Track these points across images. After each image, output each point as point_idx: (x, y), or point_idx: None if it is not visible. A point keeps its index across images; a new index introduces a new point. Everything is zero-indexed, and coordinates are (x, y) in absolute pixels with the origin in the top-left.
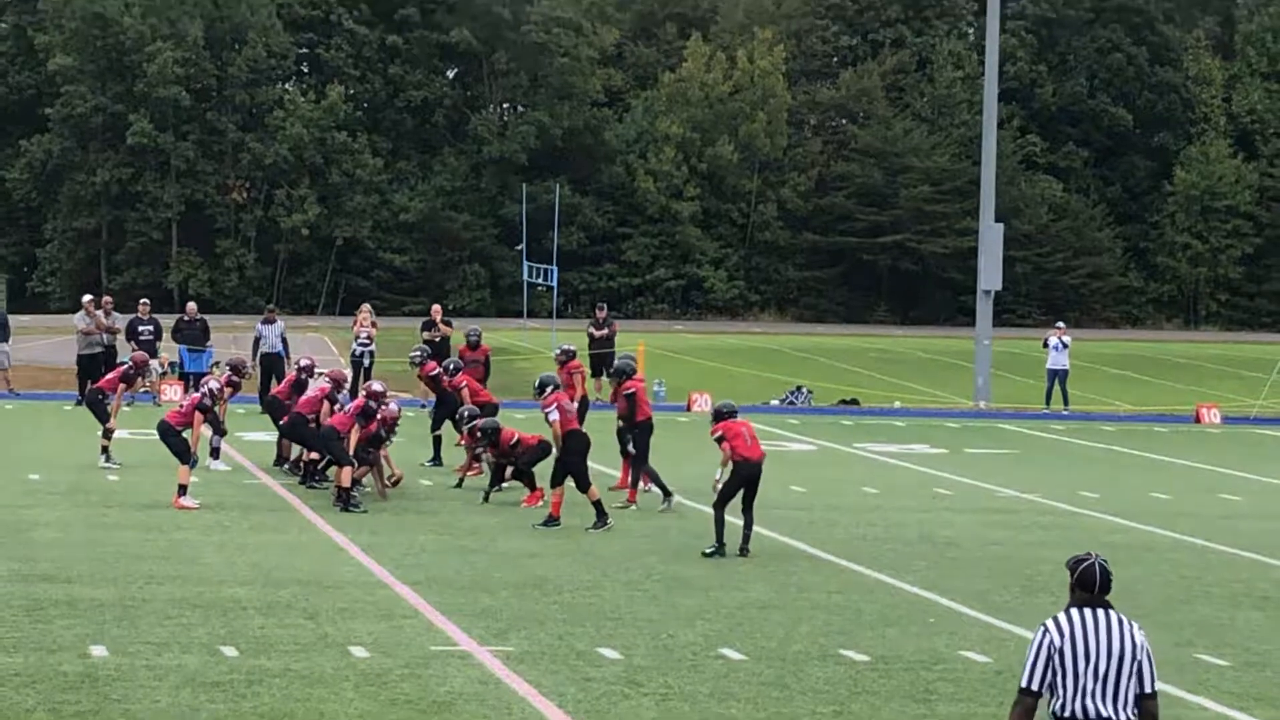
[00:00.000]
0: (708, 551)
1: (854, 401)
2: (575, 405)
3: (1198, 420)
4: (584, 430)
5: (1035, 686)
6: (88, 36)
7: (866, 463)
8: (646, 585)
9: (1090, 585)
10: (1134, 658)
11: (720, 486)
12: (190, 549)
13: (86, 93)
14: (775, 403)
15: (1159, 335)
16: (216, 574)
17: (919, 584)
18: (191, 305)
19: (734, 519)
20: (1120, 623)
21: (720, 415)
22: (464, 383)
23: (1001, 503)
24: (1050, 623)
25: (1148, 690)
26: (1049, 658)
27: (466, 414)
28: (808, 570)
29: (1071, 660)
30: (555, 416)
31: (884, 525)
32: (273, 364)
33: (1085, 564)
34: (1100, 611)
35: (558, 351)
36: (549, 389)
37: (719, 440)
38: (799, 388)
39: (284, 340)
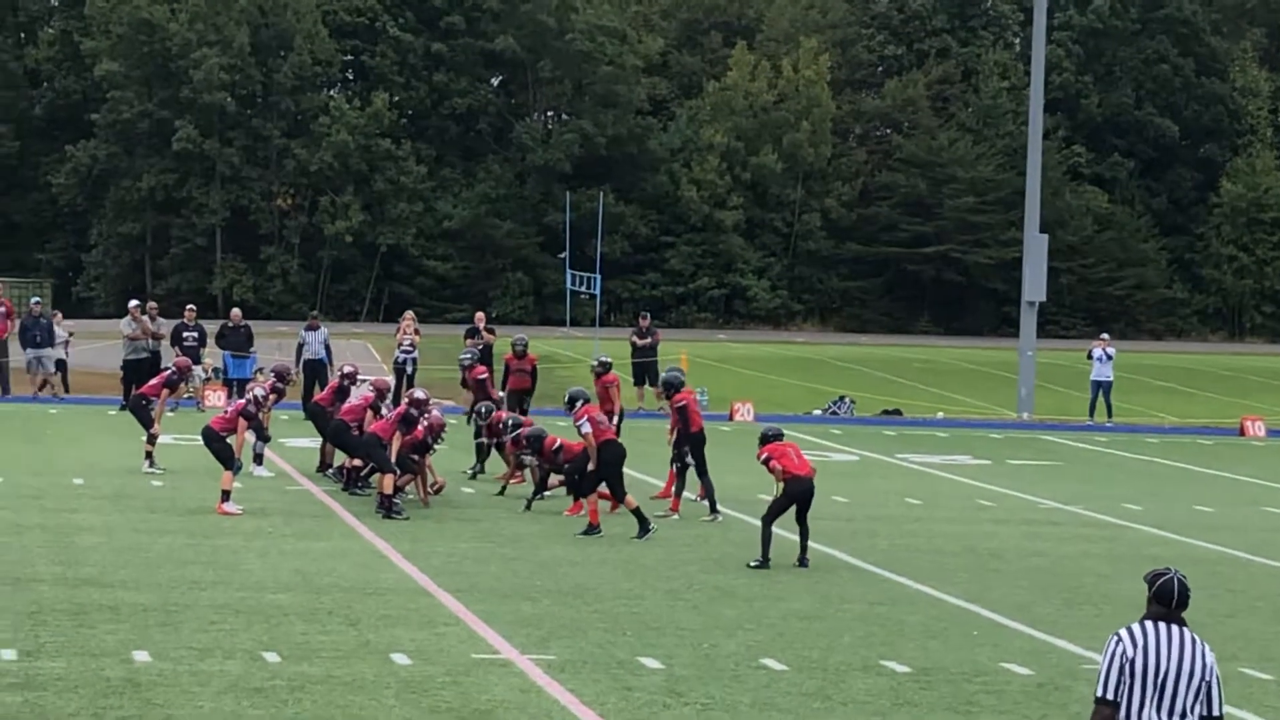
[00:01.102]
0: (753, 564)
1: (897, 412)
2: (608, 418)
3: (1242, 433)
4: (619, 441)
5: (1112, 695)
6: (134, 42)
7: (909, 473)
8: (688, 595)
9: (1168, 600)
10: (1203, 678)
11: (771, 502)
12: (233, 555)
13: (133, 98)
14: (818, 413)
15: (1204, 347)
16: (259, 580)
17: (961, 595)
18: (236, 311)
19: (786, 533)
20: (1194, 642)
21: (766, 439)
22: (484, 374)
23: (1044, 514)
24: (1124, 632)
25: (1215, 713)
26: (1121, 667)
27: (484, 409)
28: (850, 581)
29: (1141, 672)
30: (588, 429)
31: (926, 536)
32: (316, 370)
33: (1164, 578)
34: (1175, 627)
35: (594, 363)
36: (579, 403)
37: (766, 463)
38: (841, 398)
39: (327, 347)
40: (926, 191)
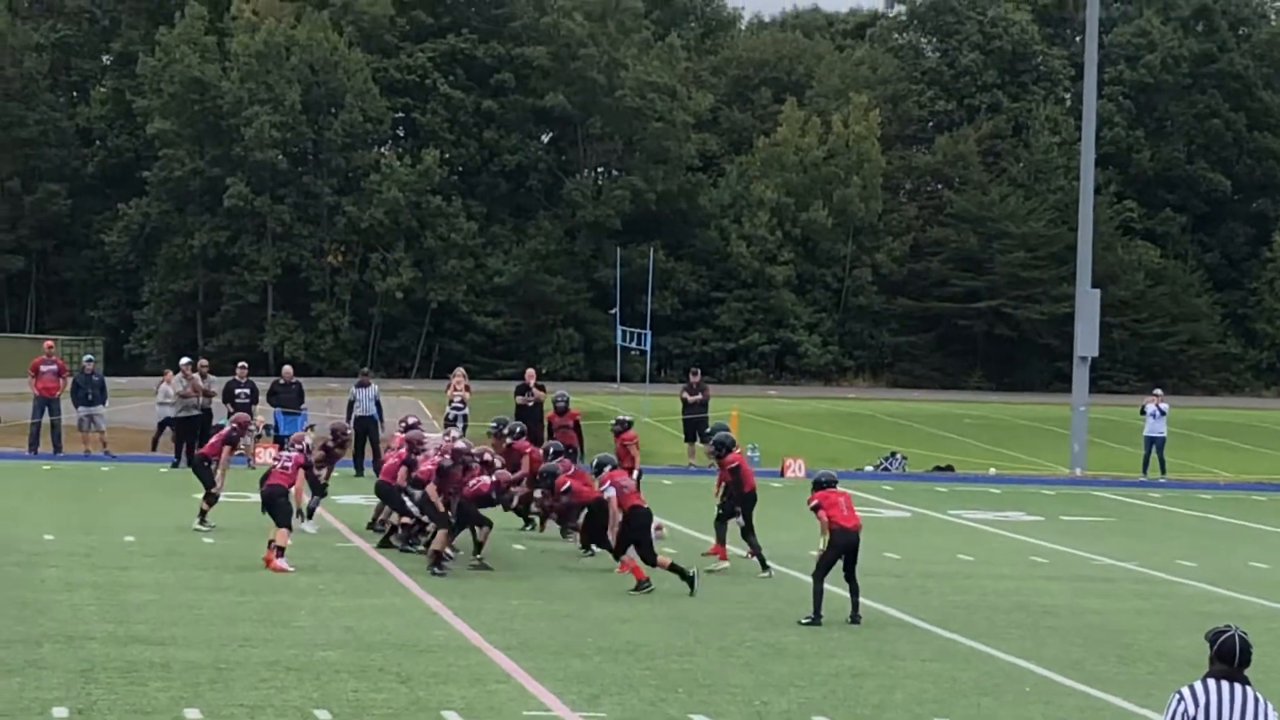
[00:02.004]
0: (804, 621)
1: (949, 468)
2: (632, 479)
3: None
4: (645, 506)
5: None
6: (186, 101)
7: (961, 530)
8: (740, 651)
9: (1229, 658)
10: None
11: (819, 557)
12: (284, 612)
13: (184, 156)
14: (869, 469)
15: (1258, 403)
16: (310, 637)
17: (1014, 652)
18: (287, 368)
19: (837, 589)
20: (1257, 700)
21: (819, 485)
22: (526, 449)
23: (1098, 571)
24: (1186, 690)
25: None
26: None
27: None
28: (902, 637)
29: None
30: (612, 493)
31: (979, 593)
32: (367, 427)
33: (1225, 636)
34: (1238, 685)
35: (614, 422)
36: (606, 468)
37: (815, 509)
38: (893, 454)
39: (378, 404)
40: (978, 247)
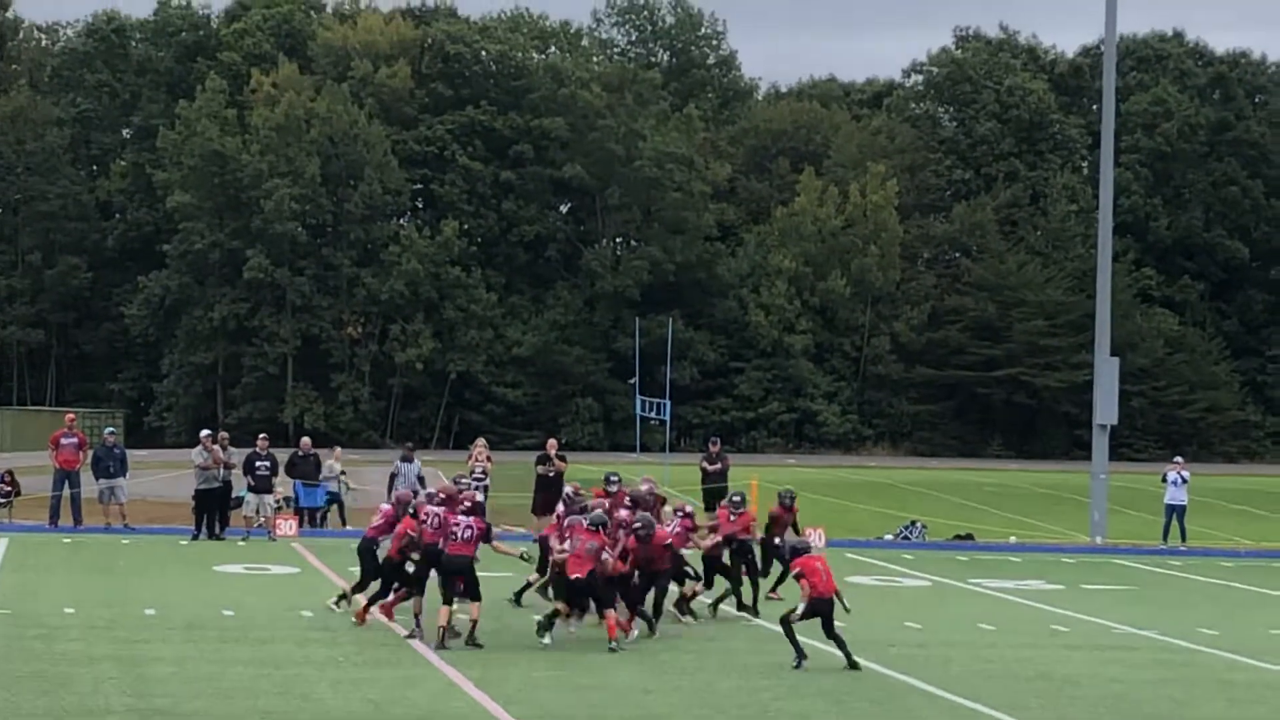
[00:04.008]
0: (795, 665)
1: (968, 536)
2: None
3: None
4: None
5: None
6: (205, 174)
7: (982, 598)
8: None
9: None
10: None
11: (796, 615)
12: (305, 684)
13: (204, 229)
14: (889, 537)
15: (1278, 470)
16: (331, 709)
17: None
18: (305, 440)
19: (824, 647)
20: None
21: (797, 552)
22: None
23: (1119, 639)
24: None
25: None
26: None
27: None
28: (923, 707)
29: None
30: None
31: (1000, 662)
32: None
33: None
34: None
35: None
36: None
37: (798, 577)
38: (913, 522)
39: (421, 479)
40: (996, 315)
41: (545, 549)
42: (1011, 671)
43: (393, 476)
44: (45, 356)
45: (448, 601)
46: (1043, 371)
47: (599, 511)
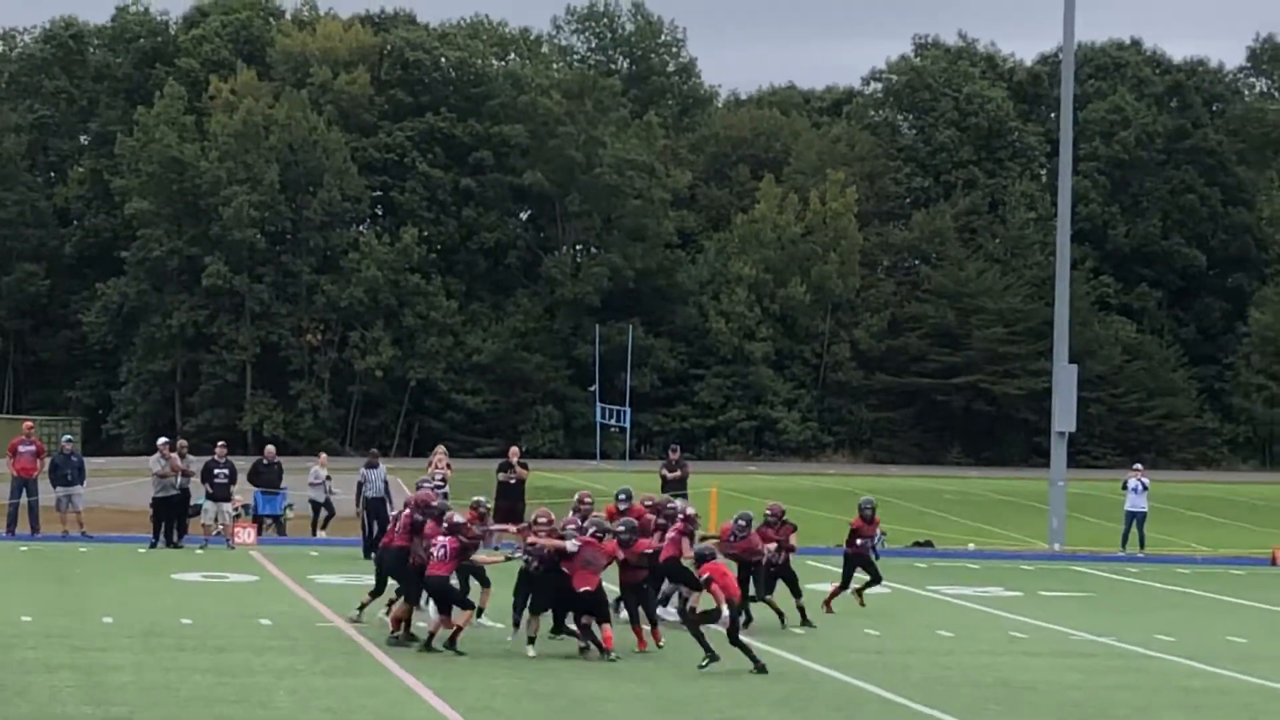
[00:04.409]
0: (703, 665)
1: (928, 544)
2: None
3: (1274, 563)
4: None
5: None
6: (164, 180)
7: (941, 605)
8: None
9: None
10: None
11: (698, 613)
12: (263, 693)
13: (163, 236)
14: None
15: (1235, 477)
16: (288, 717)
17: None
18: (270, 448)
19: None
20: None
21: (704, 558)
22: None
23: (1077, 646)
24: None
25: None
26: None
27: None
28: (882, 714)
29: None
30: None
31: (959, 669)
32: (376, 509)
33: None
34: None
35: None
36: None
37: (708, 582)
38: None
39: (386, 485)
40: (955, 322)
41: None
42: (970, 678)
43: (360, 485)
44: (2, 364)
45: (412, 603)
46: (1001, 379)
47: (601, 520)
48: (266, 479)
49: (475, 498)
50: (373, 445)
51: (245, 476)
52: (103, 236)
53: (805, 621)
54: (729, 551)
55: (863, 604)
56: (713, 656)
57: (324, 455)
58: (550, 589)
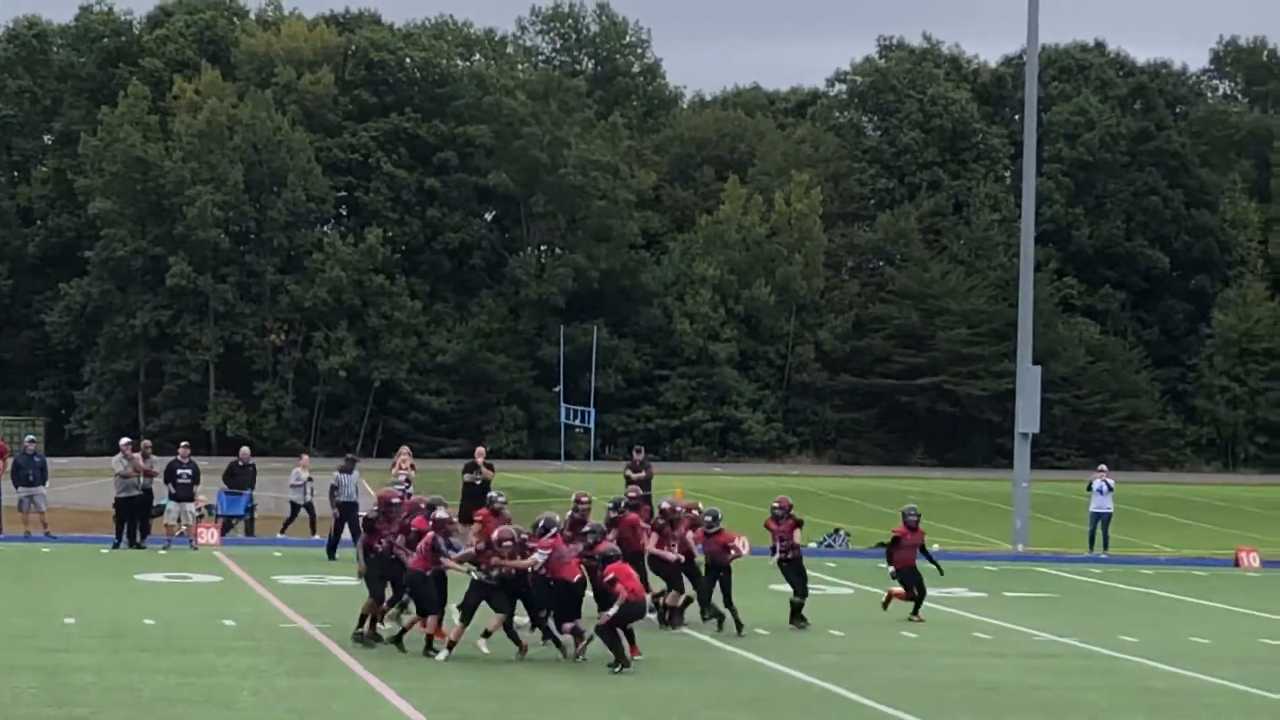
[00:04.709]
0: (616, 668)
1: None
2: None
3: (1237, 564)
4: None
5: None
6: (128, 180)
7: (904, 606)
8: None
9: None
10: None
11: (609, 620)
12: (226, 693)
13: (126, 236)
14: (813, 545)
15: (1198, 478)
16: (251, 718)
17: None
18: (244, 449)
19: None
20: None
21: (609, 559)
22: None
23: (1041, 647)
24: None
25: None
26: None
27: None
28: (848, 716)
29: None
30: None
31: (923, 669)
32: (348, 513)
33: None
34: None
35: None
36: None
37: (611, 583)
38: (837, 530)
39: (357, 490)
40: (919, 323)
41: None
42: (935, 679)
43: (333, 488)
44: None
45: (383, 602)
46: (965, 380)
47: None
48: (241, 480)
49: (490, 494)
50: (337, 445)
51: (221, 477)
52: (66, 236)
53: (796, 618)
54: (707, 550)
55: (919, 618)
56: (622, 661)
57: (305, 457)
58: (512, 593)
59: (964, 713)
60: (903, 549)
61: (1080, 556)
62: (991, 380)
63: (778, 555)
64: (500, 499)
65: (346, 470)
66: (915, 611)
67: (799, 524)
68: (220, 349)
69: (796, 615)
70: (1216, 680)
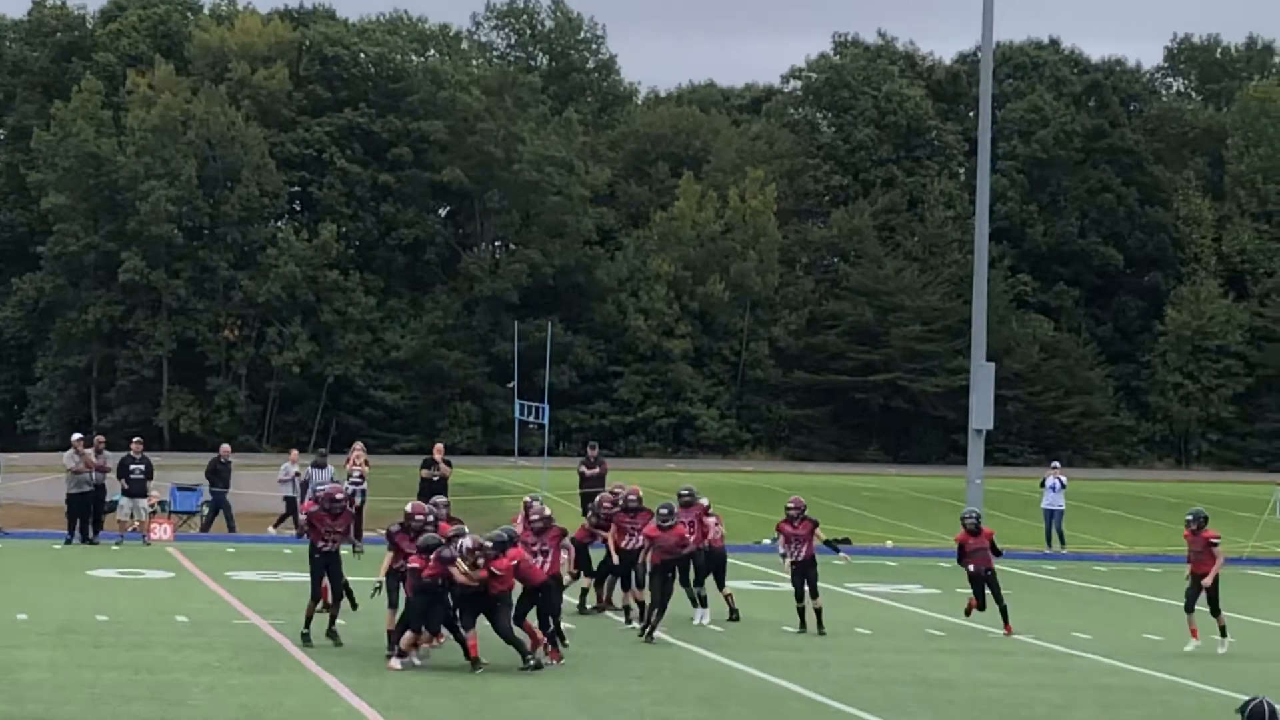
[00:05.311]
0: (523, 667)
1: (845, 541)
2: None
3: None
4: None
5: None
6: (81, 175)
7: (858, 603)
8: None
9: (1261, 717)
10: None
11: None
12: (179, 690)
13: (79, 231)
14: (768, 542)
15: (1151, 475)
16: (205, 715)
17: None
18: (225, 446)
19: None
20: None
21: (504, 545)
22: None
23: (994, 644)
24: None
25: None
26: None
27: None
28: (802, 712)
29: None
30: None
31: (878, 666)
32: None
33: (1254, 703)
34: None
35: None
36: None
37: (516, 568)
38: None
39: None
40: (873, 320)
41: None
42: (889, 676)
43: (304, 484)
44: None
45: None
46: (919, 376)
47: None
48: (225, 476)
49: (526, 498)
50: (290, 441)
51: (204, 474)
52: (18, 231)
53: (818, 628)
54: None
55: (1009, 631)
56: (527, 660)
57: (295, 452)
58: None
59: (917, 710)
60: (968, 555)
61: (1034, 553)
62: (945, 377)
63: (790, 558)
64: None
65: (320, 465)
66: (1005, 624)
67: (816, 525)
68: (173, 344)
69: (818, 622)
70: (1171, 677)
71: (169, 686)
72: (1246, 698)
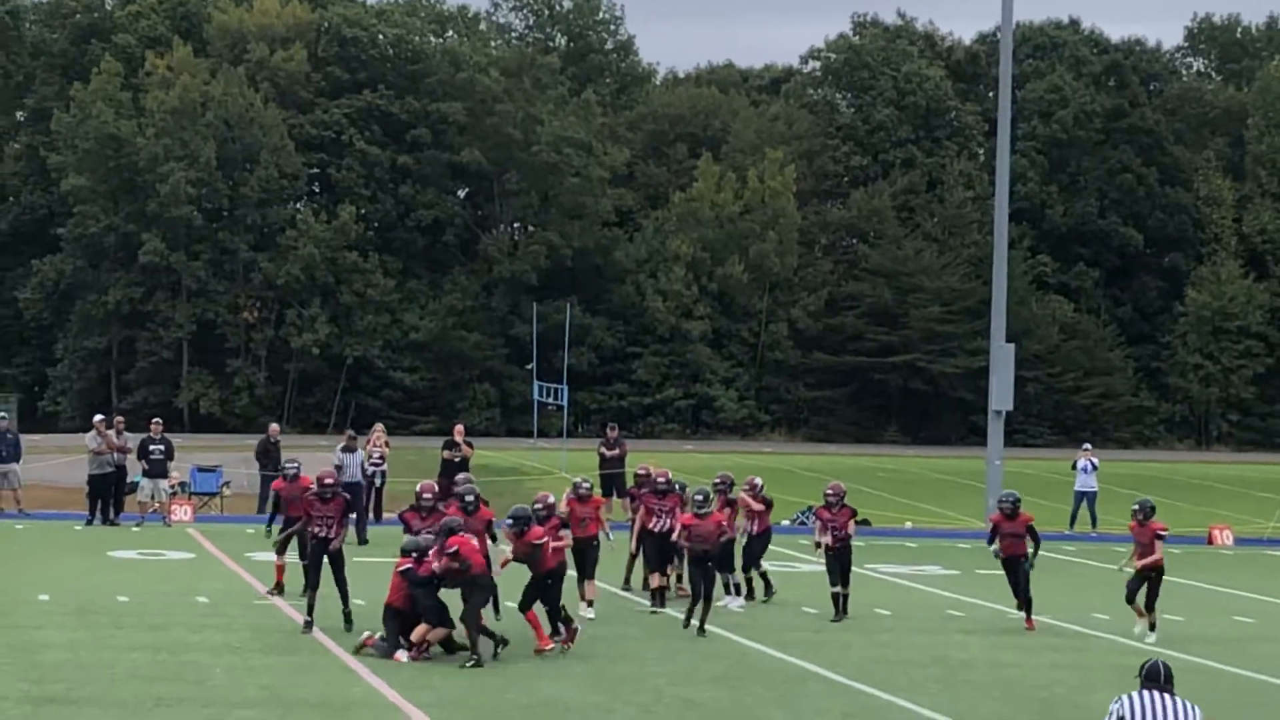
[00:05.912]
0: (470, 664)
1: (865, 522)
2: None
3: (1210, 541)
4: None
5: None
6: (101, 157)
7: (878, 584)
8: (657, 709)
9: (1155, 676)
10: None
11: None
12: (199, 670)
13: (99, 213)
14: (786, 523)
15: (1171, 456)
16: (225, 695)
17: (933, 707)
18: (274, 426)
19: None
20: (1184, 704)
21: (452, 531)
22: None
23: (1013, 624)
24: (1125, 697)
25: None
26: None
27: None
28: (822, 693)
29: None
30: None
31: (897, 647)
32: (354, 495)
33: (1149, 663)
34: (1164, 695)
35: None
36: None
37: (454, 555)
38: (809, 508)
39: (363, 469)
40: (892, 301)
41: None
42: (908, 657)
43: (337, 468)
44: None
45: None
46: (939, 358)
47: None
48: (275, 458)
49: (575, 479)
50: (310, 422)
51: (254, 454)
52: (38, 213)
53: (841, 612)
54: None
55: (1031, 626)
56: (475, 658)
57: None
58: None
59: (936, 690)
60: (1003, 537)
61: (1053, 534)
62: (965, 358)
63: (825, 543)
64: (586, 484)
65: (349, 449)
66: (1027, 619)
67: (854, 513)
68: (193, 326)
69: (841, 607)
70: (1189, 657)
71: (189, 667)
72: (1266, 677)
